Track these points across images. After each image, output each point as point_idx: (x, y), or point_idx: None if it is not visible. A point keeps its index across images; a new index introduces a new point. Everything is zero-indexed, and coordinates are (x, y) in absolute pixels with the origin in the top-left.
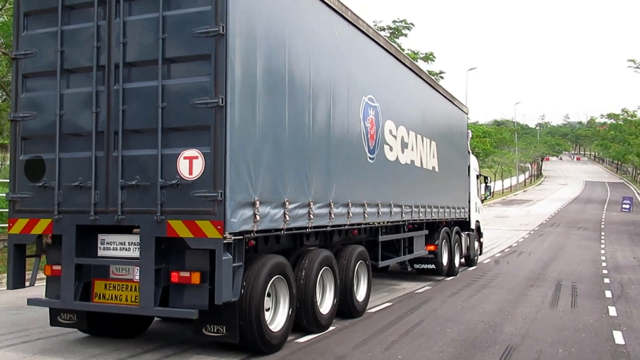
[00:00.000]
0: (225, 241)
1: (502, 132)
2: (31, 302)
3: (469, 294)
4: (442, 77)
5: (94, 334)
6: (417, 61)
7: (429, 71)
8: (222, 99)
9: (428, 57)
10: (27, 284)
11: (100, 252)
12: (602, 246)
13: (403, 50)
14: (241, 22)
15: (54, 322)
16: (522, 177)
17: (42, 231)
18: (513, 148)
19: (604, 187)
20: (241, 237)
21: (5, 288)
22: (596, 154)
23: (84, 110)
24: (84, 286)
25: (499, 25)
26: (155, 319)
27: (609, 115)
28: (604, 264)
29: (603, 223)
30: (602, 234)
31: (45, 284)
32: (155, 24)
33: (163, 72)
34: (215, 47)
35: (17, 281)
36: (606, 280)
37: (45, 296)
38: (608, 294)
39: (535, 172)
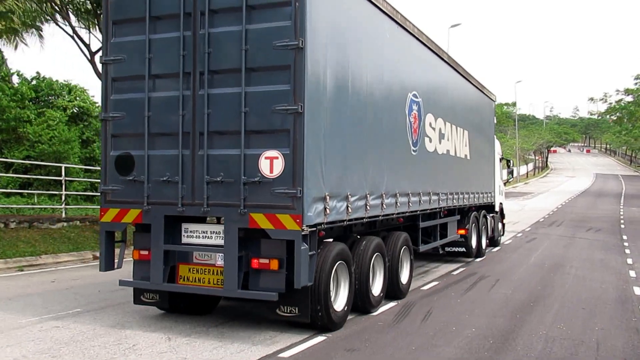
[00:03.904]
0: (303, 233)
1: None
2: (122, 283)
3: None
4: None
5: (171, 311)
6: None
7: None
8: (301, 105)
9: None
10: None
11: (184, 240)
12: (629, 261)
13: None
14: (315, 36)
15: (137, 300)
16: (525, 170)
17: (132, 220)
18: (512, 133)
19: (617, 179)
20: (314, 228)
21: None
22: (608, 145)
23: (170, 112)
24: (170, 270)
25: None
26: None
27: (627, 91)
28: None
29: (622, 221)
30: (624, 237)
31: (132, 266)
32: (238, 36)
33: (245, 80)
34: (295, 58)
35: (108, 264)
36: None
37: (133, 278)
38: None
39: (540, 164)
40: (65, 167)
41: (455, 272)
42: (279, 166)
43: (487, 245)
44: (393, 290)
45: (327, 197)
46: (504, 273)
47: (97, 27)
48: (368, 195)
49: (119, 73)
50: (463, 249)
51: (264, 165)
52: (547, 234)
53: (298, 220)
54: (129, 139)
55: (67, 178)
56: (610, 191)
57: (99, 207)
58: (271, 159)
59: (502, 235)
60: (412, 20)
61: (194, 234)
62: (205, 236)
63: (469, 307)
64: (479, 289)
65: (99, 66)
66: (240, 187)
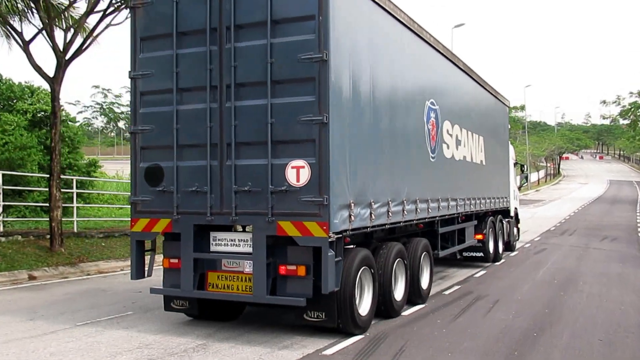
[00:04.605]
0: (329, 239)
1: None
2: (153, 291)
3: None
4: None
5: (200, 318)
6: None
7: None
8: (326, 116)
9: None
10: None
11: (213, 248)
12: None
13: None
14: (338, 48)
15: (167, 307)
16: (536, 176)
17: (162, 230)
18: (522, 139)
19: (632, 186)
20: (340, 235)
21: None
22: (622, 151)
23: (198, 124)
24: (199, 277)
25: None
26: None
27: None
28: None
29: None
30: None
31: (162, 275)
32: (263, 50)
33: (271, 92)
34: (319, 71)
35: (139, 272)
36: None
37: (163, 286)
38: None
39: (552, 171)
40: (13, 175)
41: (447, 292)
42: (305, 175)
43: (503, 250)
44: (414, 295)
45: (352, 205)
46: (505, 292)
47: (35, 14)
48: (390, 202)
49: (148, 87)
50: (481, 254)
51: (290, 175)
52: (558, 244)
53: (325, 228)
54: (157, 151)
55: (5, 187)
56: (625, 198)
57: (47, 219)
58: (298, 168)
59: (518, 240)
60: (418, 21)
61: (223, 242)
62: (234, 244)
63: (455, 340)
64: (472, 313)
65: (34, 55)
66: (267, 196)
